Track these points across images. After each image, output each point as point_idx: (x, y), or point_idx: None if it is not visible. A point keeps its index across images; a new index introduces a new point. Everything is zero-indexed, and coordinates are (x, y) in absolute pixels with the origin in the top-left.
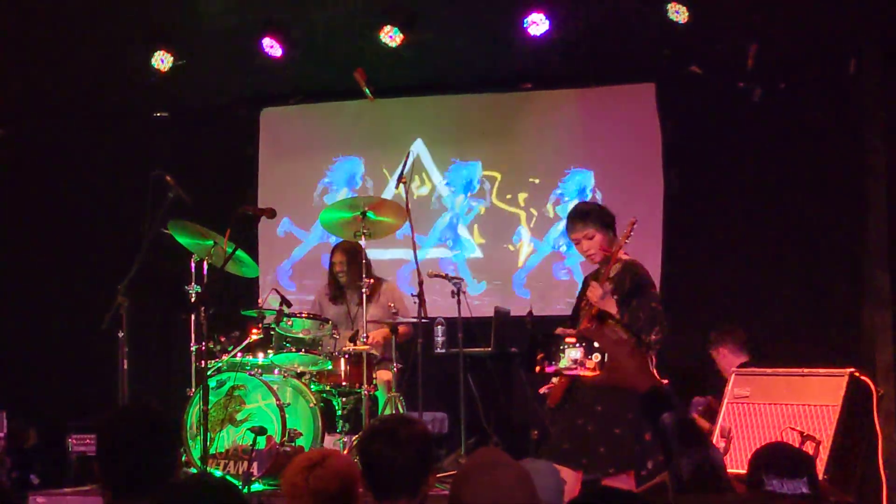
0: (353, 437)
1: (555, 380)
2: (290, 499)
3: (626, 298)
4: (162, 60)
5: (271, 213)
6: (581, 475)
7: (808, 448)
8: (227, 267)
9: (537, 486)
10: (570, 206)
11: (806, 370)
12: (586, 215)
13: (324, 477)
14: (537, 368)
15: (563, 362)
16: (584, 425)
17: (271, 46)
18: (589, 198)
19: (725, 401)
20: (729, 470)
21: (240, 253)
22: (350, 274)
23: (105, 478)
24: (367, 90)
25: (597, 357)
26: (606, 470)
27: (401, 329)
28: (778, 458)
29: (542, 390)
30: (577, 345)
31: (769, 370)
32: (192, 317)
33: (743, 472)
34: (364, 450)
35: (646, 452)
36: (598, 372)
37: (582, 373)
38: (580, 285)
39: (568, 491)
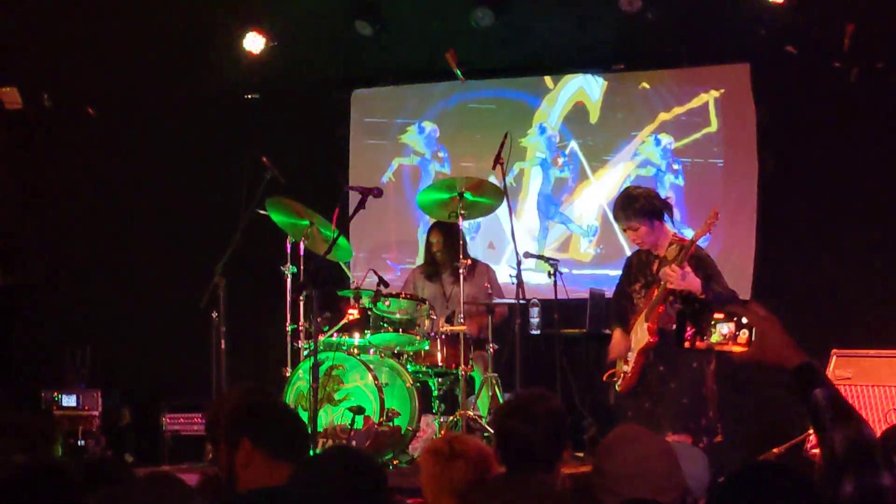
0: (450, 419)
1: (625, 367)
2: (428, 488)
3: (704, 281)
4: (254, 42)
5: (378, 193)
6: None
7: None
8: (321, 249)
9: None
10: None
11: None
12: (626, 208)
13: (462, 468)
14: (686, 344)
15: (715, 337)
16: (653, 408)
17: (363, 27)
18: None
19: None
20: None
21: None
22: (447, 253)
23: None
24: (458, 71)
25: (745, 333)
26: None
27: (497, 310)
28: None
29: (607, 377)
30: (727, 320)
31: (872, 352)
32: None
33: None
34: (500, 425)
35: (710, 428)
36: (747, 348)
37: (732, 348)
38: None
39: None
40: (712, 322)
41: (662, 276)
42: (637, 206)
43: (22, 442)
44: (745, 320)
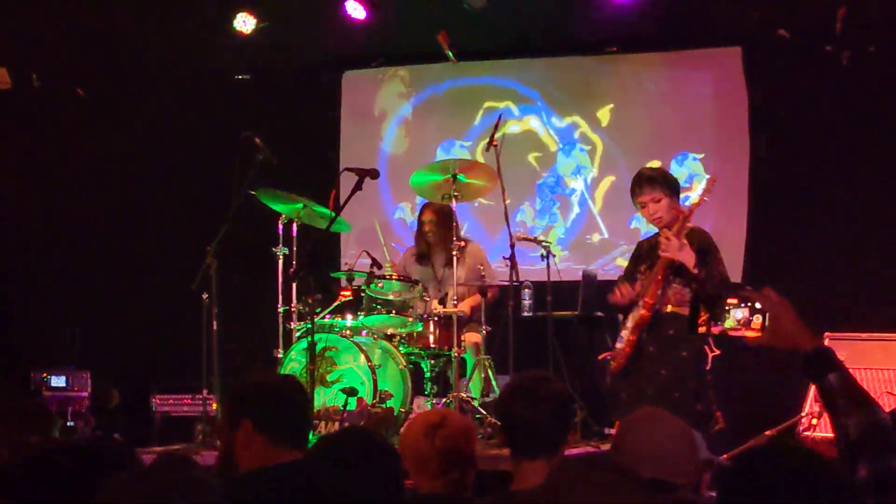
0: (442, 400)
1: (619, 345)
2: (414, 463)
3: (697, 257)
4: (244, 22)
5: (375, 174)
6: None
7: None
8: (318, 223)
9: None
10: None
11: None
12: (654, 179)
13: (448, 436)
14: (701, 329)
15: (729, 323)
16: (644, 388)
17: (354, 9)
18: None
19: None
20: (822, 434)
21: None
22: (439, 234)
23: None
24: (451, 53)
25: (759, 318)
26: None
27: (489, 292)
28: None
29: (603, 357)
30: (741, 305)
31: (864, 335)
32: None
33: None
34: (503, 409)
35: (707, 418)
36: (761, 333)
37: (746, 333)
38: (635, 249)
39: None
40: (726, 307)
41: (661, 245)
42: (663, 176)
43: (23, 425)
44: (758, 305)
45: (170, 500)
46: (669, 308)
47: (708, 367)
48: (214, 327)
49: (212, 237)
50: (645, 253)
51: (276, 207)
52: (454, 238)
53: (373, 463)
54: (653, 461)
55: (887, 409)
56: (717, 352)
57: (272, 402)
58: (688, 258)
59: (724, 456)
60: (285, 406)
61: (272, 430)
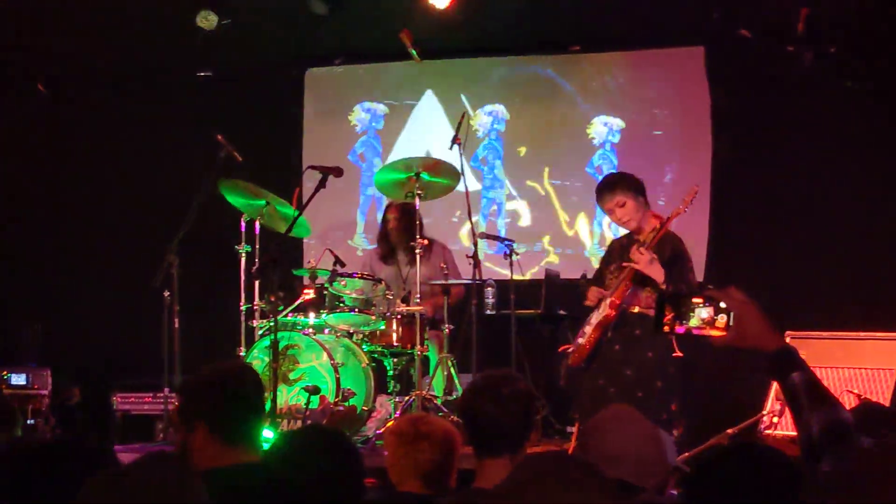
0: (405, 398)
1: (581, 340)
2: (393, 470)
3: (666, 266)
4: (206, 19)
5: (339, 172)
6: None
7: None
8: (278, 226)
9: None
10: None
11: (863, 334)
12: (614, 185)
13: (428, 450)
14: (666, 328)
15: (694, 322)
16: (606, 387)
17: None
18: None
19: None
20: (783, 432)
21: (295, 213)
22: (402, 233)
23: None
24: (414, 52)
25: (723, 317)
26: None
27: (453, 290)
28: (872, 417)
29: (563, 349)
30: (706, 304)
31: (825, 333)
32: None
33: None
34: (467, 407)
35: (671, 422)
36: (725, 333)
37: (711, 332)
38: (606, 249)
39: None
40: (691, 306)
41: (632, 257)
42: (623, 178)
43: None
44: (723, 305)
45: (154, 500)
46: (637, 309)
47: (672, 371)
48: (176, 325)
49: (174, 234)
50: (616, 254)
51: (238, 204)
52: (417, 237)
53: (332, 460)
54: (618, 462)
55: (848, 408)
56: (680, 354)
57: (227, 404)
58: (657, 273)
59: (684, 455)
60: (239, 406)
61: (228, 431)
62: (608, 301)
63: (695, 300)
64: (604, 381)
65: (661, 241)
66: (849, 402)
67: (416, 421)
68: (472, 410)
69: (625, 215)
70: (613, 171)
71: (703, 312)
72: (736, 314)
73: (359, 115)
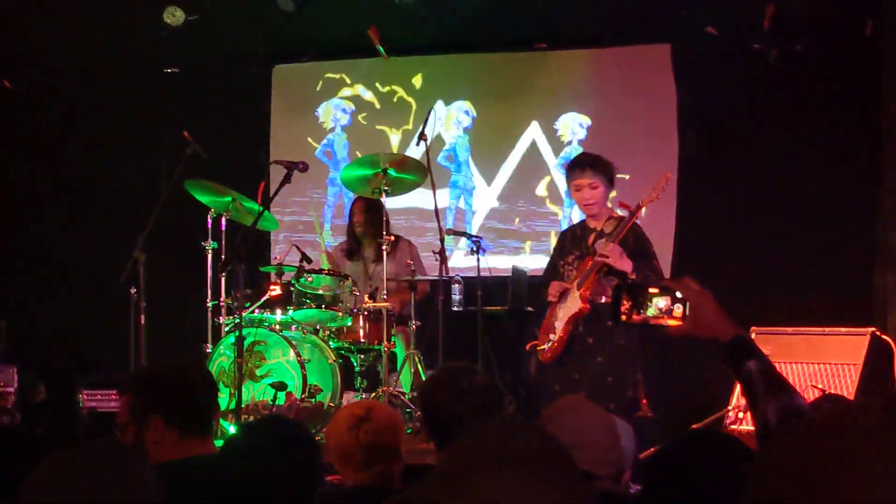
0: (372, 395)
1: (552, 335)
2: (339, 456)
3: (632, 256)
4: (173, 15)
5: (304, 167)
6: None
7: None
8: (246, 222)
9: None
10: None
11: (827, 329)
12: (596, 165)
13: (373, 430)
14: (623, 318)
15: (651, 311)
16: (581, 380)
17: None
18: None
19: None
20: (748, 428)
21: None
22: (368, 229)
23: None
24: (381, 48)
25: (680, 307)
26: None
27: (419, 287)
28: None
29: (531, 346)
30: (662, 294)
31: (790, 329)
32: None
33: None
34: (426, 401)
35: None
36: (682, 322)
37: (668, 322)
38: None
39: None
40: (648, 296)
41: (599, 250)
42: (605, 163)
43: None
44: (679, 295)
45: (102, 489)
46: (605, 299)
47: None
48: (143, 322)
49: (140, 231)
50: (570, 244)
51: (205, 201)
52: (384, 233)
53: (289, 450)
54: (573, 451)
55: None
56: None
57: (182, 397)
58: (626, 266)
59: (648, 452)
60: (195, 398)
61: (185, 423)
62: (578, 294)
63: (651, 290)
64: (578, 376)
65: (627, 232)
66: (813, 398)
67: (356, 405)
68: (432, 403)
69: (592, 198)
70: None
71: (660, 302)
72: (692, 304)
73: (326, 112)
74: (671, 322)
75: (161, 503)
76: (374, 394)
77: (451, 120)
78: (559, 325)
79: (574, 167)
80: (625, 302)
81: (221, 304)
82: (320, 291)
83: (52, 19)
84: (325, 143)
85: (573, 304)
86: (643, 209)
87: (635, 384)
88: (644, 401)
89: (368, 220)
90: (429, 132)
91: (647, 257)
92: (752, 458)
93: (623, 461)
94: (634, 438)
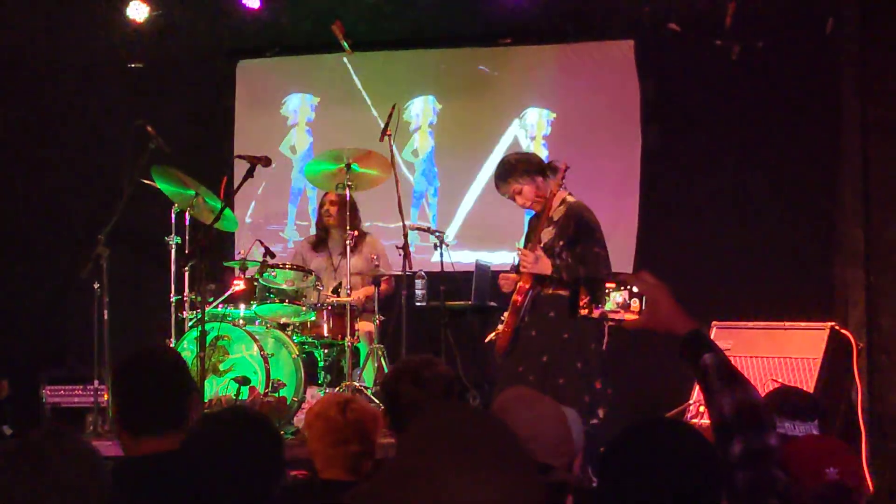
0: (335, 389)
1: (500, 327)
2: (321, 435)
3: (570, 243)
4: (137, 10)
5: (267, 162)
6: None
7: None
8: (206, 219)
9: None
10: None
11: (787, 324)
12: (506, 175)
13: (359, 410)
14: (583, 312)
15: (609, 305)
16: (525, 374)
17: None
18: None
19: None
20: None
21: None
22: (339, 218)
23: (123, 420)
24: (345, 43)
25: (636, 302)
26: None
27: (383, 282)
28: (790, 402)
29: (489, 338)
30: (620, 288)
31: (750, 323)
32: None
33: None
34: (389, 390)
35: (596, 401)
36: (638, 316)
37: (625, 316)
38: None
39: None
40: (606, 290)
41: (520, 259)
42: (514, 166)
43: None
44: (636, 289)
45: (46, 476)
46: (550, 290)
47: (604, 347)
48: (106, 316)
49: (103, 225)
50: (530, 232)
51: (169, 192)
52: (348, 227)
53: (251, 441)
54: (527, 443)
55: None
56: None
57: (126, 399)
58: (545, 269)
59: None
60: (141, 398)
61: (132, 425)
62: (517, 286)
63: (608, 284)
64: (523, 368)
65: (566, 216)
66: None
67: (336, 394)
68: (394, 393)
69: (524, 200)
70: None
71: (618, 296)
72: (647, 298)
73: (290, 107)
74: (628, 316)
75: (109, 495)
76: (337, 388)
77: (415, 115)
78: (505, 315)
79: (496, 185)
80: (583, 296)
81: (185, 298)
82: (284, 286)
83: (16, 13)
84: (289, 137)
85: (515, 295)
86: (565, 171)
87: (592, 391)
88: (601, 409)
89: (339, 209)
90: (392, 128)
91: (589, 237)
92: (707, 445)
93: (574, 451)
94: (580, 422)
